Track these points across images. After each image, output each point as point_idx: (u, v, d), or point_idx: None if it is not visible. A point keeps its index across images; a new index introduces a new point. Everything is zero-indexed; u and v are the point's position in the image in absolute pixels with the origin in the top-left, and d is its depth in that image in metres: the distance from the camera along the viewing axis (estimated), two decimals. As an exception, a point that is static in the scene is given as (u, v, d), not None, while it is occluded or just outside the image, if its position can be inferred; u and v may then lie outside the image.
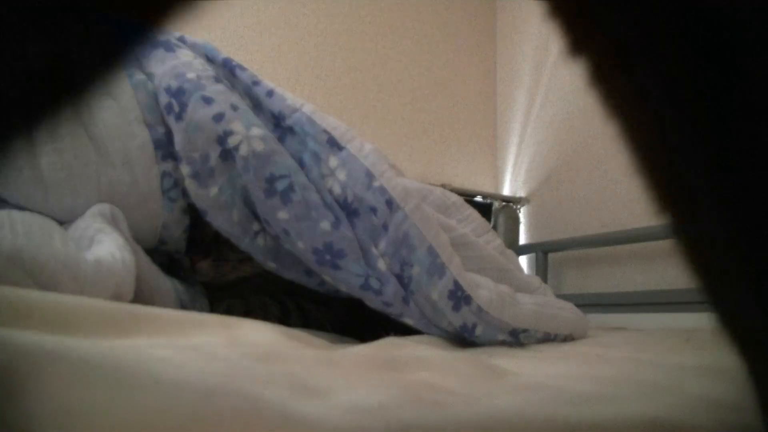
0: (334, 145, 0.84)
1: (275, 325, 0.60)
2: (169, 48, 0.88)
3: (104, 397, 0.22)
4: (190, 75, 0.84)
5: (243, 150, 0.79)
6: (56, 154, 0.76)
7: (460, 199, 1.19)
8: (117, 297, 0.64)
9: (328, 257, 0.78)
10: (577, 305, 1.17)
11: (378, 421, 0.28)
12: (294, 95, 0.91)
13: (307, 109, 0.88)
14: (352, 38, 2.27)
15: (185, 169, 0.81)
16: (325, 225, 0.78)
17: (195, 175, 0.81)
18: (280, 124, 0.88)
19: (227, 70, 0.93)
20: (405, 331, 0.86)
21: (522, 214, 2.34)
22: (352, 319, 0.97)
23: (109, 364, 0.24)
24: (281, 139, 0.85)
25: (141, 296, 0.72)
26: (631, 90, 0.26)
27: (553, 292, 1.26)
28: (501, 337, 0.90)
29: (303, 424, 0.25)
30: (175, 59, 0.86)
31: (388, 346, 0.65)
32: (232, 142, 0.80)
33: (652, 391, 0.45)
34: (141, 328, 0.44)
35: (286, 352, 0.46)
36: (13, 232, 0.64)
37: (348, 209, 0.82)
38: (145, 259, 0.77)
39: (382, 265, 0.80)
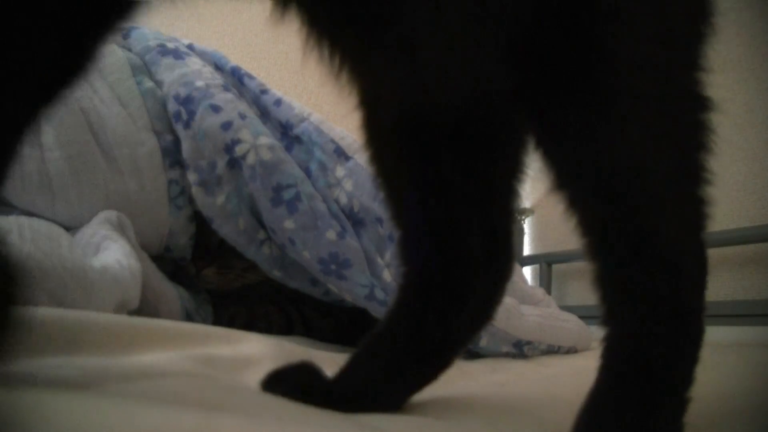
0: (342, 155, 0.85)
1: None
2: (178, 56, 0.89)
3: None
4: (199, 83, 0.84)
5: (250, 159, 0.80)
6: (64, 161, 0.76)
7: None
8: (123, 304, 0.64)
9: (333, 267, 0.78)
10: (581, 317, 1.16)
11: None
12: (301, 104, 0.92)
13: (315, 118, 0.88)
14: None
15: (192, 177, 0.82)
16: (331, 235, 0.78)
17: (202, 183, 0.81)
18: (287, 134, 0.88)
19: (235, 79, 0.93)
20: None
21: (526, 225, 2.33)
22: (356, 329, 0.97)
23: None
24: (288, 149, 0.85)
25: (147, 303, 0.72)
26: None
27: (557, 303, 1.26)
28: (505, 348, 0.90)
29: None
30: (184, 67, 0.87)
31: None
32: (239, 150, 0.80)
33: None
34: (145, 343, 0.44)
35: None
36: (20, 238, 0.64)
37: (354, 219, 0.82)
38: (151, 267, 0.77)
39: (387, 275, 0.80)
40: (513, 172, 0.46)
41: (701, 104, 0.36)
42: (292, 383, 0.36)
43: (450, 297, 0.43)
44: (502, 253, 0.46)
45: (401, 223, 0.46)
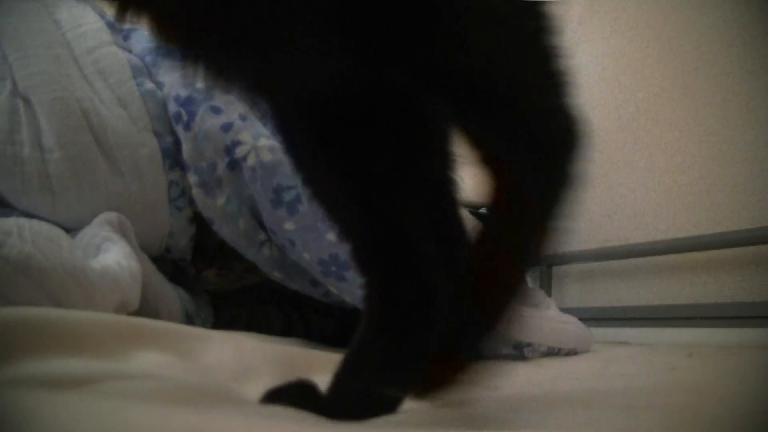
0: (341, 156, 0.85)
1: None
2: (178, 58, 0.89)
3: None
4: (200, 84, 0.84)
5: (251, 160, 0.80)
6: (65, 163, 0.76)
7: (464, 211, 1.19)
8: (123, 305, 0.64)
9: (333, 268, 0.78)
10: (581, 319, 1.16)
11: None
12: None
13: (315, 120, 0.88)
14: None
15: (192, 179, 0.82)
16: (331, 236, 0.78)
17: (202, 185, 0.81)
18: (287, 135, 0.88)
19: (236, 80, 0.93)
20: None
21: (526, 227, 2.33)
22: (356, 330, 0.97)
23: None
24: (288, 150, 0.85)
25: (147, 305, 0.72)
26: None
27: (557, 305, 1.26)
28: (505, 350, 0.90)
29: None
30: (184, 69, 0.87)
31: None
32: (239, 152, 0.80)
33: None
34: (145, 344, 0.44)
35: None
36: (21, 240, 0.64)
37: (354, 221, 0.82)
38: (152, 268, 0.77)
39: (387, 277, 0.80)
40: (444, 162, 0.47)
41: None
42: (289, 401, 0.36)
43: (417, 297, 0.43)
44: (457, 240, 0.47)
45: (349, 235, 0.46)
